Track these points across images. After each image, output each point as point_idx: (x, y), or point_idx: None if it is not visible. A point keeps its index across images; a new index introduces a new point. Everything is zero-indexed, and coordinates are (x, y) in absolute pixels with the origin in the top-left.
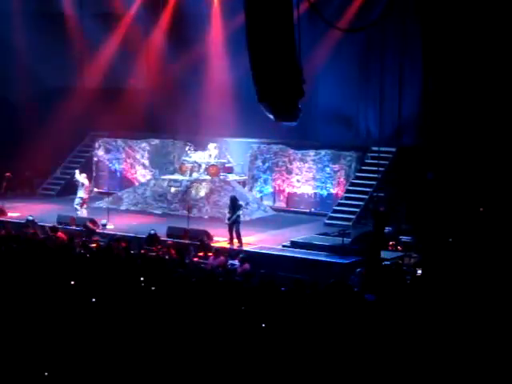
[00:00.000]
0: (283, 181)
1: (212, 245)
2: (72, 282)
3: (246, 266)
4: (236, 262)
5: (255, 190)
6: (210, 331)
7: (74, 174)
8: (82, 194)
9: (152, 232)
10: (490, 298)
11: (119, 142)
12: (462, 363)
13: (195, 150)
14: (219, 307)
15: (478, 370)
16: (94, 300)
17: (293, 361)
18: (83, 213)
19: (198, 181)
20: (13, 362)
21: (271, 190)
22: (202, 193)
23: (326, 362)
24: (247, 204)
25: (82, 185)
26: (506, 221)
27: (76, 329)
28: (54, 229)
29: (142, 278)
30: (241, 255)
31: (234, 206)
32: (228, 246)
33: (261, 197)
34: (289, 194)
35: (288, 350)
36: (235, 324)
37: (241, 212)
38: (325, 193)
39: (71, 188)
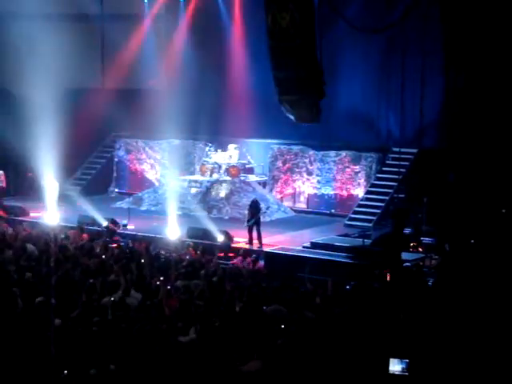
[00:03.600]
0: (303, 182)
1: (232, 246)
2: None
3: (261, 264)
4: (258, 263)
5: (275, 191)
6: (230, 331)
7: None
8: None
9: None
10: (510, 299)
11: (140, 142)
12: (484, 363)
13: (215, 151)
14: (241, 308)
15: (501, 370)
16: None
17: (312, 359)
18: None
19: (219, 181)
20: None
21: (291, 191)
22: (223, 193)
23: (344, 361)
24: (268, 208)
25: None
26: None
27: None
28: (81, 229)
29: (161, 278)
30: (253, 255)
31: (256, 209)
32: (247, 246)
33: (281, 198)
34: (309, 195)
35: (307, 349)
36: (256, 325)
37: (261, 214)
38: (345, 194)
39: (93, 188)
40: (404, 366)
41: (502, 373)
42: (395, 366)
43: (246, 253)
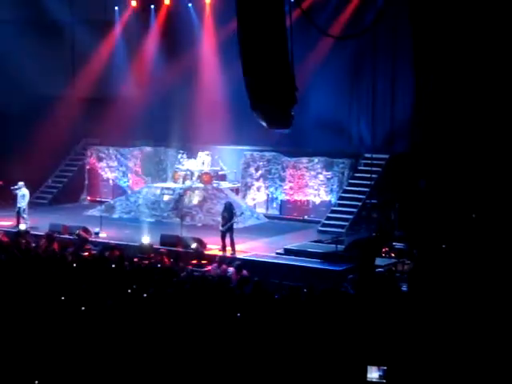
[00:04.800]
0: (276, 188)
1: (206, 253)
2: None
3: (245, 272)
4: (230, 270)
5: (248, 197)
6: (204, 339)
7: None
8: (23, 204)
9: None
10: (483, 303)
11: (111, 149)
12: (456, 368)
13: (188, 158)
14: (214, 314)
15: (472, 376)
16: (84, 309)
17: (287, 367)
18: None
19: (191, 188)
20: (4, 373)
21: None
22: (195, 200)
23: (320, 368)
24: (242, 214)
25: (23, 196)
26: (499, 227)
27: (69, 339)
28: (50, 238)
29: (134, 286)
30: (237, 262)
31: (229, 213)
32: (220, 253)
33: (254, 204)
34: (282, 201)
35: (283, 356)
36: (230, 331)
37: (235, 220)
38: (318, 200)
39: (64, 196)
40: (381, 374)
41: (478, 375)
42: (373, 374)
43: (222, 260)
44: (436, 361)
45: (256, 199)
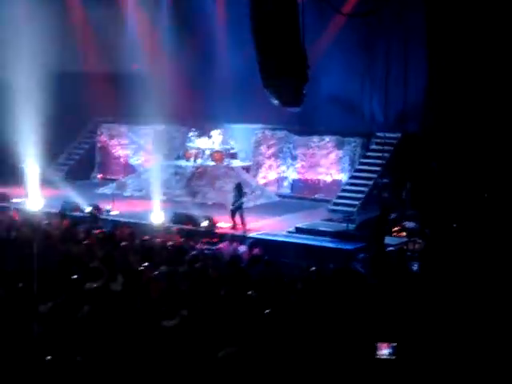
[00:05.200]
0: (287, 167)
1: (216, 231)
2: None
3: (257, 250)
4: (241, 248)
5: (259, 176)
6: (215, 317)
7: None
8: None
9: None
10: (494, 284)
11: (123, 127)
12: (464, 352)
13: (199, 136)
14: (225, 292)
15: (481, 359)
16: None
17: (297, 347)
18: None
19: (203, 167)
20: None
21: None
22: (207, 179)
23: (331, 349)
24: (252, 192)
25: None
26: (511, 207)
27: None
28: (62, 215)
29: (146, 264)
30: (250, 240)
31: (239, 192)
32: (231, 231)
33: (265, 183)
34: (293, 180)
35: (293, 336)
36: (241, 309)
37: (245, 199)
38: (329, 179)
39: (75, 174)
40: (392, 351)
41: (488, 354)
42: (383, 351)
43: (233, 238)
44: (446, 339)
45: (267, 178)
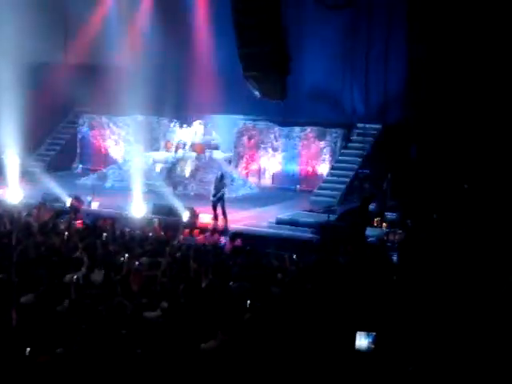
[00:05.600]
0: (269, 158)
1: (198, 222)
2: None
3: (238, 241)
4: (222, 239)
5: (241, 167)
6: (197, 308)
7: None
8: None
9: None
10: (474, 274)
11: (104, 118)
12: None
13: (180, 127)
14: (206, 284)
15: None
16: (76, 278)
17: (279, 338)
18: None
19: (184, 158)
20: None
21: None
22: (188, 170)
23: (309, 337)
24: (232, 181)
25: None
26: (490, 197)
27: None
28: (42, 207)
29: (126, 255)
30: (231, 231)
31: (221, 183)
32: (213, 223)
33: (246, 174)
34: (275, 171)
35: (275, 327)
36: (222, 300)
37: (226, 190)
38: (310, 170)
39: (56, 165)
40: (371, 340)
41: (467, 344)
42: (362, 340)
43: (214, 229)
44: (426, 329)
45: (248, 169)
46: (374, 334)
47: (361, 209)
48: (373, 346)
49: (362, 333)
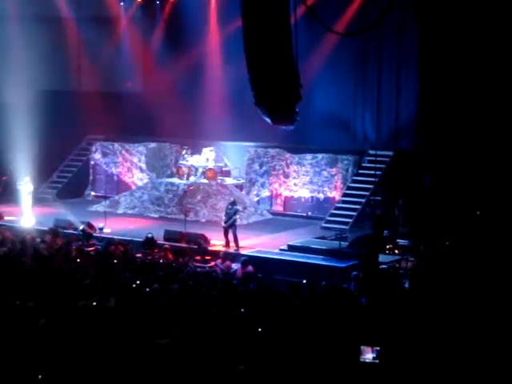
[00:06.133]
0: (280, 184)
1: (209, 248)
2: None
3: (250, 268)
4: (234, 266)
5: (252, 194)
6: (208, 334)
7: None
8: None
9: (149, 235)
10: (487, 301)
11: (116, 145)
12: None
13: (192, 154)
14: (218, 310)
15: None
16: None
17: (290, 364)
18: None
19: (195, 184)
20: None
21: (268, 193)
22: (199, 196)
23: (322, 365)
24: (245, 208)
25: (27, 191)
26: (503, 224)
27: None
28: (54, 233)
29: (138, 282)
30: (242, 258)
31: (232, 209)
32: (224, 249)
33: (258, 200)
34: (286, 197)
35: (285, 353)
36: (233, 327)
37: (238, 216)
38: (322, 196)
39: (68, 191)
40: (375, 355)
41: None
42: (366, 355)
43: (225, 256)
44: (436, 354)
45: (260, 195)
46: (378, 348)
47: (374, 236)
48: (377, 361)
49: (367, 347)
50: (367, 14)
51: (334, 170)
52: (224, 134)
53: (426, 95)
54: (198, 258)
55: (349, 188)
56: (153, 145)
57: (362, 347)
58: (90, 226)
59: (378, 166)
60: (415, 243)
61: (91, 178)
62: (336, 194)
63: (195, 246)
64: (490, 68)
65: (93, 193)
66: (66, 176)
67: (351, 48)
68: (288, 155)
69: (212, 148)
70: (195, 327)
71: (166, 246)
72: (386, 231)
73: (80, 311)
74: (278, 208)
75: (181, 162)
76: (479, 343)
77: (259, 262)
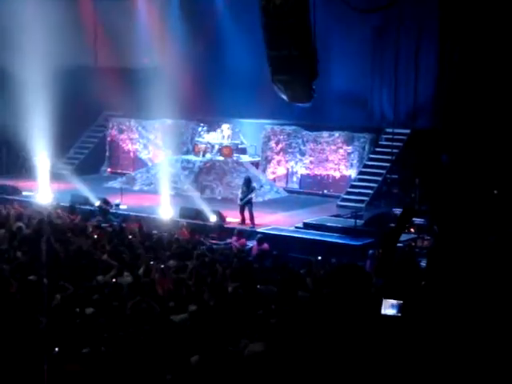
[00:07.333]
0: (296, 162)
1: (225, 226)
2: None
3: (265, 245)
4: (249, 243)
5: (268, 171)
6: (224, 311)
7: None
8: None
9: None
10: (503, 283)
11: (132, 122)
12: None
13: (208, 131)
14: (234, 287)
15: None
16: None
17: (302, 343)
18: None
19: (211, 161)
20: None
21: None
22: (215, 174)
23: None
24: (261, 186)
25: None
26: None
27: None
28: (71, 209)
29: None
30: (258, 235)
31: (248, 187)
32: (240, 226)
33: (273, 178)
34: (302, 175)
35: (299, 331)
36: (249, 303)
37: (254, 194)
38: (338, 174)
39: (85, 168)
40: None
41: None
42: (387, 309)
43: (241, 233)
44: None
45: (276, 173)
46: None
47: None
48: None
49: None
50: None
51: (350, 148)
52: (240, 111)
53: (445, 73)
54: (214, 235)
55: (365, 166)
56: (169, 122)
57: (384, 301)
58: (106, 202)
59: (395, 144)
60: (431, 222)
61: (107, 154)
62: (352, 172)
63: (210, 223)
64: None
65: (109, 169)
66: (83, 152)
67: (370, 24)
68: (304, 133)
69: (228, 125)
70: (212, 303)
71: (182, 223)
72: (398, 208)
73: (97, 287)
74: (294, 186)
75: (197, 139)
76: (497, 323)
77: (274, 240)
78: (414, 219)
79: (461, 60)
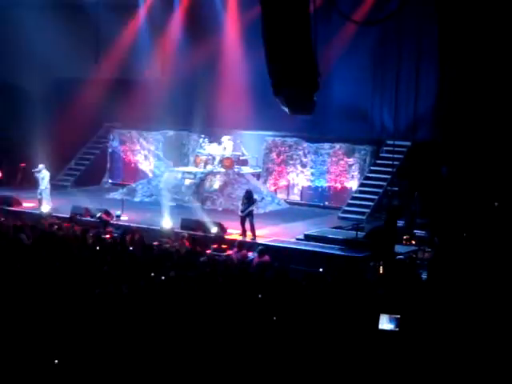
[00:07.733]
0: (297, 174)
1: (226, 237)
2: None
3: (266, 257)
4: (250, 254)
5: (269, 183)
6: (224, 322)
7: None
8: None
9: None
10: (503, 294)
11: (134, 133)
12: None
13: (210, 143)
14: (234, 298)
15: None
16: (103, 291)
17: (303, 352)
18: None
19: (213, 173)
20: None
21: (285, 183)
22: (216, 185)
23: (335, 354)
24: (262, 199)
25: (43, 178)
26: None
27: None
28: (72, 220)
29: (154, 270)
30: (259, 247)
31: (249, 199)
32: (241, 238)
33: (275, 190)
34: (303, 187)
35: (299, 341)
36: (248, 316)
37: (254, 206)
38: (339, 186)
39: (86, 179)
40: (394, 323)
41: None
42: (385, 324)
43: (242, 245)
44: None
45: (277, 185)
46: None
47: (387, 223)
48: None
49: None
50: (386, 3)
51: (351, 160)
52: (241, 122)
53: (445, 86)
54: (215, 246)
55: (366, 178)
56: (170, 133)
57: (382, 315)
58: (107, 213)
59: (395, 156)
60: (432, 234)
61: (108, 165)
62: (353, 184)
63: (211, 235)
64: (511, 58)
65: (110, 180)
66: (84, 163)
67: (370, 37)
68: (305, 144)
69: (230, 137)
70: (212, 314)
71: (183, 234)
72: (400, 221)
73: (97, 298)
74: (295, 197)
75: (198, 150)
76: (497, 334)
77: (275, 252)
78: (415, 231)
79: (460, 74)
